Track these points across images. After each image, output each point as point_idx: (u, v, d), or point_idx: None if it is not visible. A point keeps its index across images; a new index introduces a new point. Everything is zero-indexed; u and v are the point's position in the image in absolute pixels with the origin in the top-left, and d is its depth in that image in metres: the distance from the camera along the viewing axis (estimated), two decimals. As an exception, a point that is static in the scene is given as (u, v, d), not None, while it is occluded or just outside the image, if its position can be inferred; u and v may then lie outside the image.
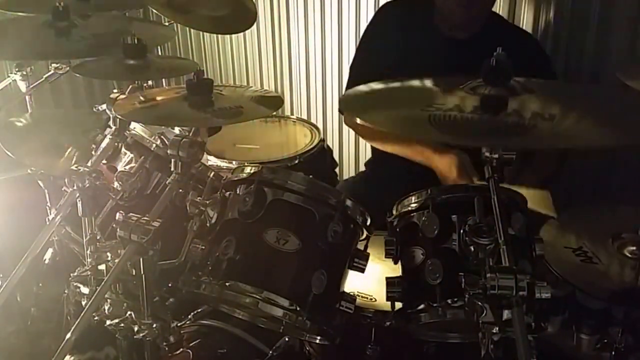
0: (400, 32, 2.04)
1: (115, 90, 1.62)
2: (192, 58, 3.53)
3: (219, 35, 3.37)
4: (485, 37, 1.88)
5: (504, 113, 1.14)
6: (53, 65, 2.10)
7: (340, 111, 2.52)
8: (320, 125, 2.55)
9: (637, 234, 1.46)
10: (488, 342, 1.11)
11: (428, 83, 1.39)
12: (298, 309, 1.34)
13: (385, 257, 1.47)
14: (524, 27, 2.27)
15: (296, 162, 2.17)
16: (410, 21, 2.04)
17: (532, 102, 1.18)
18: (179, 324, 1.55)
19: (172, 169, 1.40)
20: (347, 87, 2.25)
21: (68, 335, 1.23)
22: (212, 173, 1.59)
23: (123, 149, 1.70)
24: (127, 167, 1.67)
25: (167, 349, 1.39)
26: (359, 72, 2.15)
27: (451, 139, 1.11)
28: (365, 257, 1.45)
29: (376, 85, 1.39)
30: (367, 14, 2.70)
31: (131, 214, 1.28)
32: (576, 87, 1.50)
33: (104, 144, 1.62)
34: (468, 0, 1.89)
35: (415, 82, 1.39)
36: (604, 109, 1.24)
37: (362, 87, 1.37)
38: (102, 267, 1.47)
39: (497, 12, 2.33)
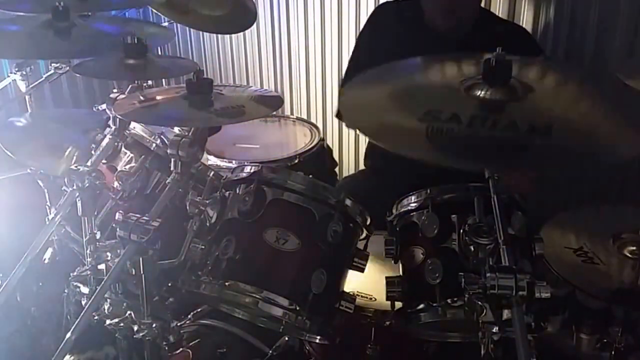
0: (394, 33, 2.05)
1: (115, 90, 1.62)
2: (192, 58, 3.52)
3: (219, 35, 3.37)
4: (476, 33, 1.89)
5: (501, 125, 1.12)
6: (53, 65, 2.10)
7: (338, 117, 2.45)
8: (320, 125, 2.55)
9: (637, 234, 1.46)
10: (488, 342, 1.11)
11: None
12: (298, 308, 1.34)
13: (385, 257, 1.47)
14: (523, 27, 2.27)
15: (296, 161, 2.17)
16: (402, 21, 2.05)
17: (531, 105, 1.17)
18: (178, 324, 1.55)
19: (171, 168, 1.40)
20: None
21: (68, 335, 1.23)
22: (212, 172, 1.59)
23: (123, 149, 1.70)
24: (127, 167, 1.67)
25: (166, 348, 1.39)
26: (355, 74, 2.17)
27: (448, 162, 1.08)
28: (365, 257, 1.45)
29: (376, 88, 1.38)
30: (367, 14, 2.69)
31: (131, 213, 1.28)
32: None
33: (104, 144, 1.61)
34: (449, 10, 1.90)
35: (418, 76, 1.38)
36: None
37: (361, 91, 1.36)
38: (102, 266, 1.47)
39: (497, 12, 2.33)
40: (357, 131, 1.18)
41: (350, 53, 2.37)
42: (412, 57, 1.68)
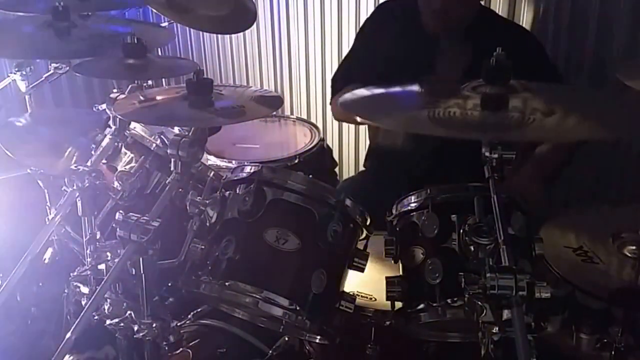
0: (392, 33, 2.05)
1: (115, 90, 1.62)
2: (192, 58, 3.53)
3: (219, 35, 3.37)
4: (476, 33, 1.89)
5: (504, 110, 1.14)
6: (53, 65, 2.10)
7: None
8: (320, 125, 2.55)
9: (637, 233, 1.46)
10: (488, 342, 1.11)
11: (427, 89, 1.39)
12: (298, 308, 1.34)
13: (385, 257, 1.47)
14: (525, 27, 2.27)
15: (296, 161, 2.17)
16: (401, 23, 2.04)
17: (531, 100, 1.18)
18: (178, 324, 1.55)
19: (171, 168, 1.40)
20: (335, 86, 2.25)
21: (68, 335, 1.23)
22: (212, 172, 1.60)
23: (123, 149, 1.70)
24: (127, 167, 1.67)
25: (166, 348, 1.39)
26: (348, 74, 2.17)
27: (451, 133, 1.11)
28: (365, 257, 1.45)
29: (377, 90, 1.39)
30: (367, 14, 2.70)
31: (131, 213, 1.28)
32: (576, 89, 1.50)
33: (104, 144, 1.61)
34: (442, 12, 1.89)
35: (415, 87, 1.39)
36: (603, 109, 1.24)
37: (363, 91, 1.36)
38: (102, 266, 1.47)
39: (497, 11, 2.33)
40: (358, 117, 1.19)
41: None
42: (408, 60, 1.69)
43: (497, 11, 2.33)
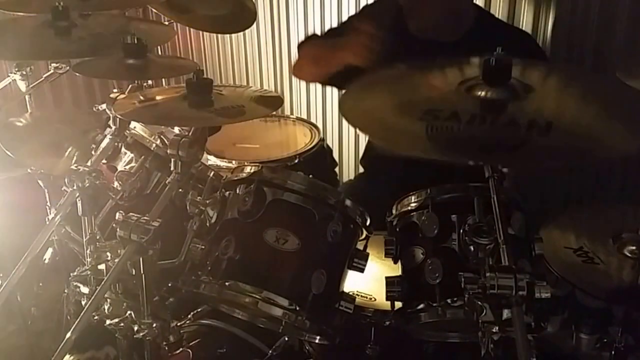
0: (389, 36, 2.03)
1: (115, 90, 1.62)
2: (192, 58, 3.52)
3: (219, 35, 3.37)
4: (472, 39, 1.87)
5: (501, 123, 1.13)
6: (53, 65, 2.10)
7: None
8: (320, 125, 2.55)
9: (637, 234, 1.46)
10: (488, 342, 1.11)
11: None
12: (297, 308, 1.34)
13: (385, 257, 1.47)
14: (523, 27, 2.27)
15: (296, 161, 2.17)
16: (395, 24, 2.03)
17: (531, 104, 1.17)
18: (178, 324, 1.55)
19: (171, 168, 1.40)
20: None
21: (68, 335, 1.23)
22: (212, 173, 1.60)
23: (123, 149, 1.70)
24: (127, 167, 1.67)
25: (167, 348, 1.39)
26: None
27: (450, 157, 1.10)
28: (365, 257, 1.45)
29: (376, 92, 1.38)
30: (367, 14, 2.70)
31: (131, 213, 1.28)
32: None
33: (104, 144, 1.61)
34: (409, 11, 1.87)
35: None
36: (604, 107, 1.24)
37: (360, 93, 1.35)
38: (102, 266, 1.47)
39: (497, 12, 2.33)
40: (357, 130, 1.19)
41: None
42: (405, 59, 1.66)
43: (497, 11, 2.32)
